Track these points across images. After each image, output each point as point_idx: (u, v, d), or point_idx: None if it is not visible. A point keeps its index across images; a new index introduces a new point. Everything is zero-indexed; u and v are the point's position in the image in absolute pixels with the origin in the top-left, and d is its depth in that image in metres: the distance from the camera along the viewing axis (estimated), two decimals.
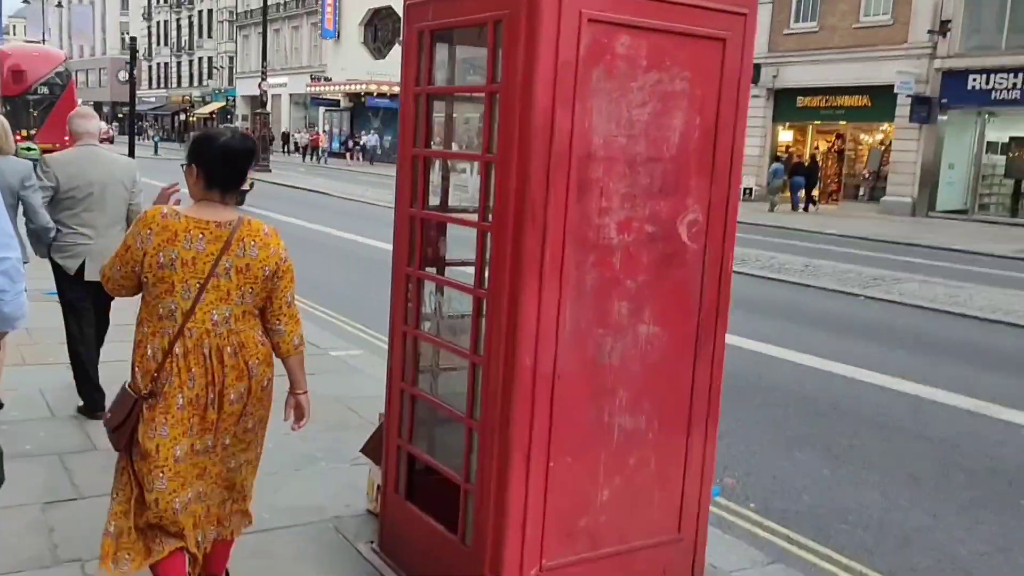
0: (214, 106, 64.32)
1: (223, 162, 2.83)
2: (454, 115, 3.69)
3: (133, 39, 20.04)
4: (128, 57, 25.55)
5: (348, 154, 45.29)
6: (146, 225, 2.75)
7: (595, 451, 3.01)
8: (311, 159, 45.98)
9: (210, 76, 68.21)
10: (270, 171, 32.28)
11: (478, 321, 3.00)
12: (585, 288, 2.91)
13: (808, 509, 4.72)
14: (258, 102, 39.65)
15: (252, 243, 2.79)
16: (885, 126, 27.28)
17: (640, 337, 3.04)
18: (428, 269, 3.50)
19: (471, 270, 3.68)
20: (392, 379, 3.45)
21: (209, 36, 69.05)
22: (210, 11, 68.16)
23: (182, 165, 2.89)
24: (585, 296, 2.91)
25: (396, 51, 45.48)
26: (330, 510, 4.03)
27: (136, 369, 2.80)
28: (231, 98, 62.78)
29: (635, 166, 2.95)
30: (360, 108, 47.67)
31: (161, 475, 2.77)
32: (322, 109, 51.49)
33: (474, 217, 3.17)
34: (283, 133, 53.65)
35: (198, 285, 2.72)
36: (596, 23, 2.78)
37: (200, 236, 2.74)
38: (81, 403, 5.20)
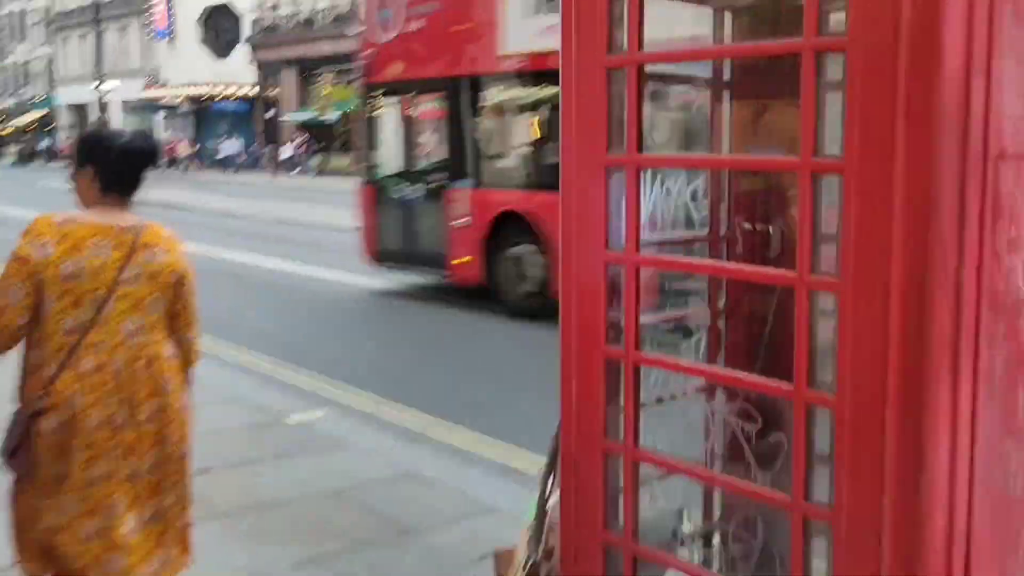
0: (34, 115, 58.45)
1: (124, 162, 2.68)
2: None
3: None
4: None
5: (189, 162, 41.95)
6: (40, 235, 2.53)
7: None
8: (168, 168, 42.12)
9: (26, 83, 62.05)
10: None
11: (804, 449, 1.76)
12: (994, 378, 1.73)
13: None
14: (84, 111, 36.00)
15: (158, 247, 2.67)
16: None
17: None
18: None
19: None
20: (583, 529, 2.15)
21: (22, 39, 62.72)
22: (22, 11, 61.90)
23: (70, 167, 2.71)
24: (994, 391, 1.74)
25: (242, 50, 42.54)
26: None
27: (28, 388, 2.56)
28: (52, 107, 57.16)
29: None
30: (205, 113, 44.23)
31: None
32: (161, 115, 47.54)
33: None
34: None
35: (106, 294, 2.55)
36: None
37: (105, 243, 2.58)
38: None
